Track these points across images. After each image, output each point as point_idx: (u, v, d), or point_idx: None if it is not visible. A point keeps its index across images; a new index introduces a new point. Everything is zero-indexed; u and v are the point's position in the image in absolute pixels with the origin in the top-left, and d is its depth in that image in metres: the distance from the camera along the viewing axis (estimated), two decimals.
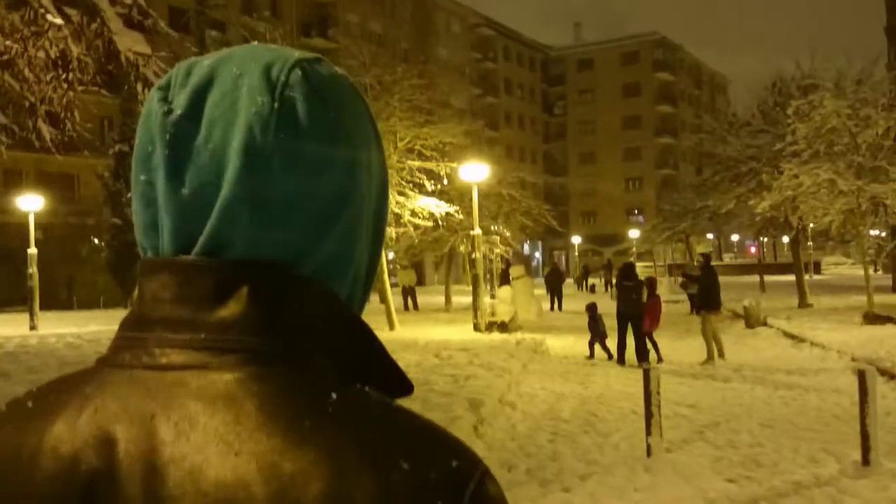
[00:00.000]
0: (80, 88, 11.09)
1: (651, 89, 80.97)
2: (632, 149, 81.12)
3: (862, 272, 54.13)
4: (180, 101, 0.62)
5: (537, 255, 76.89)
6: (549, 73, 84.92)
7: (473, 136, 33.73)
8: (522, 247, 71.33)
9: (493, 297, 24.19)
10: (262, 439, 0.55)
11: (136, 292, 0.64)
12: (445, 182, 18.59)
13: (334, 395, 0.57)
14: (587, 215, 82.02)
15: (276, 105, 0.60)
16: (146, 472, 0.56)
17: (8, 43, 9.69)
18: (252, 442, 0.55)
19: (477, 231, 17.85)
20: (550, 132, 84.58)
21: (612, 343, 14.00)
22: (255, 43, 0.68)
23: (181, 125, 0.61)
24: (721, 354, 13.63)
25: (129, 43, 10.89)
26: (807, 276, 27.04)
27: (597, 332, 14.47)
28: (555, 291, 29.46)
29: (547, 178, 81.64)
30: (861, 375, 6.71)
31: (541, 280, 35.02)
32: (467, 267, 32.24)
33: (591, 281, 44.91)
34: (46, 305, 25.95)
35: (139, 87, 11.10)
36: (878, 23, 35.04)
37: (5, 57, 9.82)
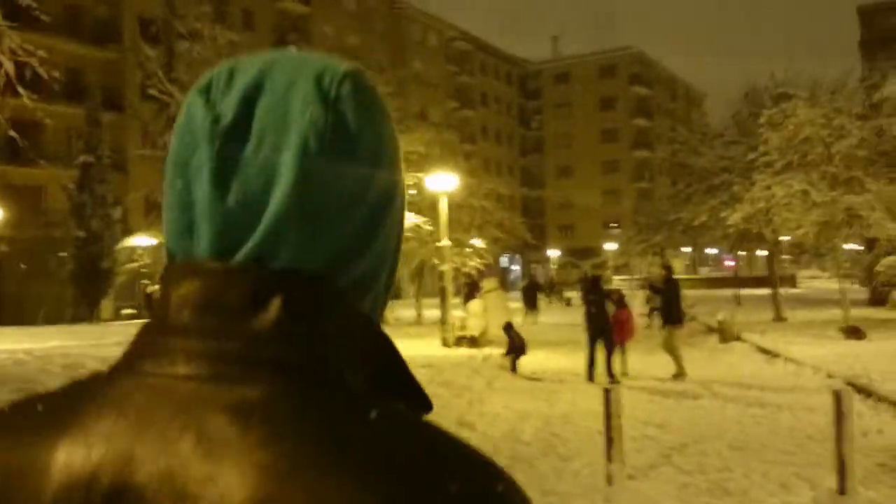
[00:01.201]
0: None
1: (627, 103, 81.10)
2: (609, 162, 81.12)
3: (838, 286, 53.87)
4: (228, 107, 0.60)
5: (515, 268, 76.55)
6: (526, 86, 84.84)
7: (447, 146, 33.26)
8: (499, 260, 71.15)
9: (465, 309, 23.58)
10: (296, 459, 0.52)
11: (158, 296, 0.61)
12: (413, 192, 18.08)
13: (374, 413, 0.55)
14: (565, 228, 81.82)
15: (329, 118, 0.59)
16: (170, 492, 0.52)
17: None
18: (285, 461, 0.51)
19: (445, 242, 17.34)
20: (527, 146, 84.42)
21: (574, 360, 13.47)
22: (293, 48, 0.68)
23: (230, 134, 0.59)
24: (681, 373, 13.10)
25: None
26: (782, 290, 26.76)
27: (512, 346, 14.08)
28: (531, 304, 29.07)
29: (524, 191, 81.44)
30: (837, 396, 6.25)
31: (517, 293, 34.60)
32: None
33: (567, 294, 44.61)
34: (11, 320, 25.07)
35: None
36: (852, 38, 35.08)
37: None
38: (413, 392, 0.62)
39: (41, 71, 10.88)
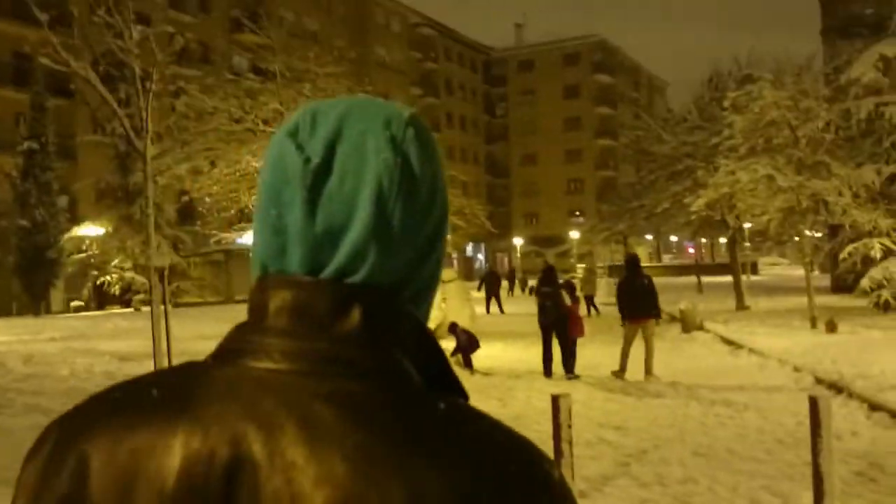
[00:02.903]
0: None
1: (591, 91, 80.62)
2: (573, 150, 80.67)
3: (799, 272, 53.86)
4: (315, 150, 0.71)
5: (480, 256, 75.91)
6: (491, 73, 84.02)
7: None
8: (464, 249, 70.37)
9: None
10: (387, 442, 0.63)
11: (253, 303, 0.72)
12: None
13: (442, 405, 0.68)
14: (529, 216, 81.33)
15: (398, 159, 0.71)
16: (281, 466, 0.63)
17: None
18: (378, 444, 0.63)
19: None
20: (493, 133, 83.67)
21: (533, 353, 12.76)
22: (362, 95, 0.81)
23: (318, 173, 0.71)
24: (622, 370, 12.07)
25: None
26: (744, 277, 26.33)
27: (458, 345, 13.45)
28: (491, 294, 28.39)
29: (489, 178, 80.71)
30: (813, 403, 5.54)
31: (475, 284, 33.91)
32: None
33: (531, 283, 43.93)
34: None
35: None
36: (814, 27, 34.75)
37: None
38: (455, 385, 0.74)
39: None
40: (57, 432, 0.71)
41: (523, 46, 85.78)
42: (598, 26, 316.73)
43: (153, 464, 0.65)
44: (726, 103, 16.56)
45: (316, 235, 0.70)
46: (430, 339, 0.74)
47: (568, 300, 12.73)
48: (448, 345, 15.66)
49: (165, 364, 8.31)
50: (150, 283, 8.41)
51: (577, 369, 12.44)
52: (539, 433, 8.29)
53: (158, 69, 8.44)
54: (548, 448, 7.22)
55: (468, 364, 13.16)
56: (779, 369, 12.44)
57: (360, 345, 0.68)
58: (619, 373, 12.07)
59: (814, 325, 14.66)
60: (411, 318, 0.73)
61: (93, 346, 17.38)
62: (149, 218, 8.75)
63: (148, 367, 8.45)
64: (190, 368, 0.72)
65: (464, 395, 0.74)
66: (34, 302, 31.72)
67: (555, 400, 5.80)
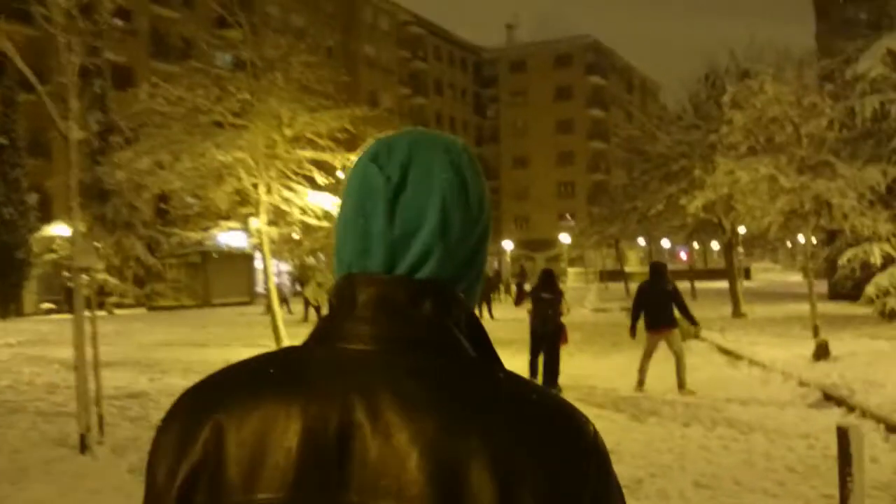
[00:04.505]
0: None
1: (583, 93, 79.74)
2: (564, 153, 79.75)
3: (792, 278, 53.00)
4: (393, 172, 0.88)
5: None
6: (482, 74, 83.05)
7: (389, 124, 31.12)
8: None
9: None
10: (467, 407, 0.79)
11: (336, 297, 0.88)
12: (342, 174, 16.15)
13: (501, 374, 0.84)
14: (520, 220, 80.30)
15: (456, 178, 0.89)
16: (382, 429, 0.77)
17: None
18: (460, 408, 0.78)
19: None
20: (483, 135, 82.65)
21: (520, 362, 11.74)
22: (422, 128, 0.99)
23: (396, 189, 0.87)
24: (640, 383, 11.25)
25: None
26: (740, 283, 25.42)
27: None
28: (483, 297, 27.32)
29: None
30: (843, 435, 4.58)
31: None
32: None
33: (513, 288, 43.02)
34: None
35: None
36: (808, 28, 33.89)
37: None
38: (496, 358, 0.91)
39: None
40: (191, 403, 0.85)
41: (515, 47, 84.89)
42: (589, 20, 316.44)
43: (279, 430, 0.79)
44: (726, 98, 15.62)
45: (394, 238, 0.86)
46: (477, 322, 0.91)
47: (565, 308, 11.77)
48: None
49: (86, 378, 7.26)
50: (76, 285, 7.37)
51: (563, 379, 11.53)
52: None
53: (83, 39, 7.42)
54: None
55: None
56: (783, 383, 11.49)
57: (432, 328, 0.84)
58: (638, 387, 11.14)
59: (816, 334, 13.75)
60: (464, 305, 0.88)
61: (46, 353, 16.36)
62: (73, 211, 7.74)
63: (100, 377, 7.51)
64: (295, 351, 0.87)
65: (503, 366, 0.89)
66: (3, 303, 30.52)
67: None
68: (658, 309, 11.14)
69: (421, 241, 0.86)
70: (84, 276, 26.77)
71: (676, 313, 11.26)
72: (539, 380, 11.15)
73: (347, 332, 0.83)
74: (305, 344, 0.86)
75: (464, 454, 0.75)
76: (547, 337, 11.47)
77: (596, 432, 0.83)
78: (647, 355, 11.26)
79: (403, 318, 0.83)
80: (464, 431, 0.76)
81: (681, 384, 10.97)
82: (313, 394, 0.80)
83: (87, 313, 7.91)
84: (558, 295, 11.72)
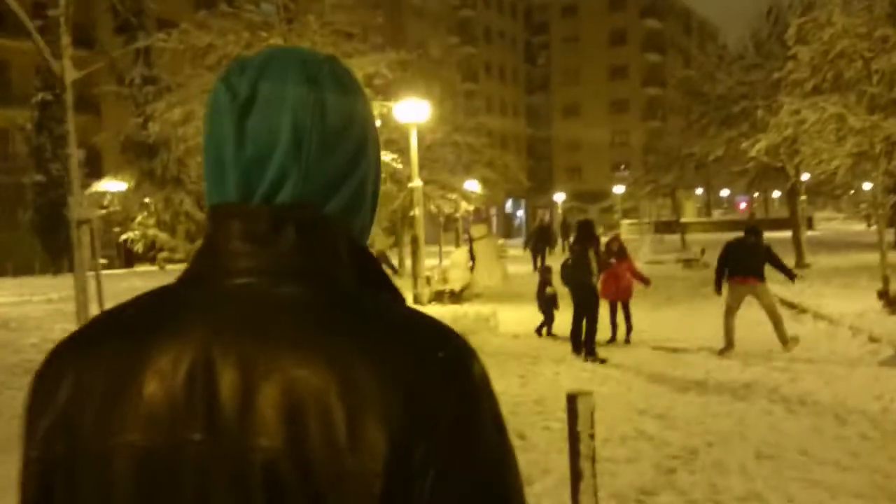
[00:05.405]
0: None
1: (638, 37, 77.19)
2: (618, 101, 77.64)
3: (856, 227, 50.81)
4: (242, 90, 0.82)
5: (520, 213, 73.87)
6: (532, 20, 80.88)
7: (447, 85, 30.02)
8: (505, 205, 68.42)
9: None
10: (321, 334, 0.75)
11: (208, 231, 0.83)
12: (379, 124, 15.50)
13: (367, 301, 0.80)
14: (572, 171, 78.78)
15: (312, 93, 0.82)
16: (233, 363, 0.75)
17: None
18: (314, 338, 0.75)
19: (416, 183, 14.88)
20: (533, 83, 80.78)
21: (567, 319, 11.03)
22: (285, 44, 1.05)
23: (244, 107, 0.81)
24: (728, 346, 10.09)
25: None
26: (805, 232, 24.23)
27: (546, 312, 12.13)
28: (538, 251, 26.26)
29: (530, 131, 78.19)
30: None
31: (515, 241, 32.00)
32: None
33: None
34: None
35: None
36: None
37: None
38: (389, 287, 0.86)
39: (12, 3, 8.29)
40: (54, 356, 0.83)
41: None
42: None
43: (133, 374, 0.77)
44: (791, 31, 14.46)
45: (247, 162, 0.81)
46: (362, 250, 0.85)
47: (604, 262, 10.99)
48: (474, 308, 14.14)
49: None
50: (85, 241, 6.94)
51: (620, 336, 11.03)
52: (562, 423, 6.72)
53: None
54: (562, 464, 5.56)
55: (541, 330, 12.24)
56: (851, 339, 10.64)
57: (296, 256, 0.80)
58: (725, 350, 10.04)
59: (886, 285, 12.79)
60: (338, 227, 0.83)
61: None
62: (72, 158, 7.29)
63: None
64: (163, 292, 0.84)
65: (398, 294, 0.85)
66: (53, 260, 30.82)
67: (571, 401, 4.18)
68: (747, 261, 10.12)
69: (275, 163, 0.81)
70: (136, 232, 26.55)
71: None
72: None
73: (211, 267, 0.81)
74: (174, 283, 0.84)
75: (315, 384, 0.72)
76: (572, 292, 10.63)
77: (469, 357, 0.77)
78: (730, 312, 10.13)
79: (266, 249, 0.80)
80: (316, 363, 0.73)
81: (783, 339, 10.02)
82: (172, 336, 0.77)
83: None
84: (584, 247, 10.60)
